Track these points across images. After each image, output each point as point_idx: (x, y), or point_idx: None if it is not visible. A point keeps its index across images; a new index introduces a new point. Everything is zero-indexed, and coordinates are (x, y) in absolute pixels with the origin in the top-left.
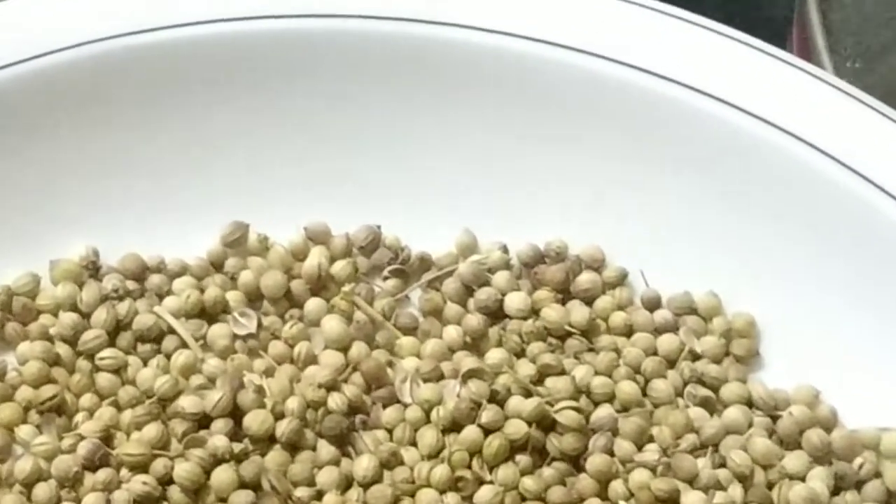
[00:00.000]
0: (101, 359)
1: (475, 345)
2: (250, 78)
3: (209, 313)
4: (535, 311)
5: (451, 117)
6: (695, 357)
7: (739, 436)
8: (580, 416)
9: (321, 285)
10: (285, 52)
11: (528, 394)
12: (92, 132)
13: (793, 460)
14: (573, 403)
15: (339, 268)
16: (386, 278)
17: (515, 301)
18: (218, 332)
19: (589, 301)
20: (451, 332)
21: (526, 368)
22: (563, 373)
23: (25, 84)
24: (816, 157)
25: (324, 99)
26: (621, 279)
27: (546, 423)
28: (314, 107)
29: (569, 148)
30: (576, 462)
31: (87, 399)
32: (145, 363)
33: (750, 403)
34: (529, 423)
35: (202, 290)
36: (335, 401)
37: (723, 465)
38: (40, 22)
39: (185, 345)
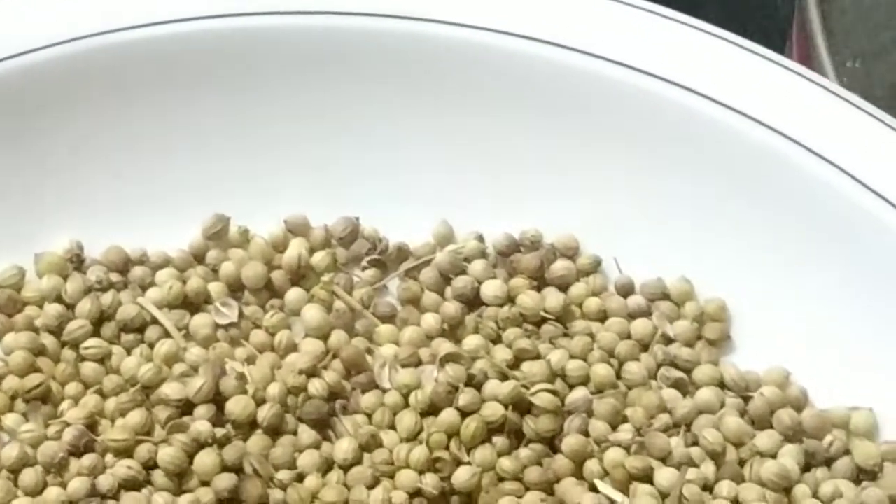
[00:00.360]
0: (86, 348)
1: (452, 332)
2: (231, 73)
3: (192, 304)
4: (510, 299)
5: (428, 111)
6: (668, 341)
7: (711, 415)
8: (555, 399)
9: (301, 276)
10: (265, 48)
11: (504, 377)
12: (75, 127)
13: (764, 439)
14: (548, 386)
15: (319, 258)
16: (364, 268)
17: (491, 288)
18: (200, 322)
19: (563, 288)
20: (429, 320)
21: (502, 353)
22: (538, 357)
23: (9, 81)
24: (785, 143)
25: (303, 93)
26: (595, 266)
27: (522, 406)
28: (294, 101)
29: (543, 139)
30: (551, 443)
31: (72, 388)
32: (129, 352)
33: (722, 385)
34: (506, 406)
35: (184, 282)
36: (315, 386)
37: (695, 443)
38: (24, 20)
39: (167, 334)
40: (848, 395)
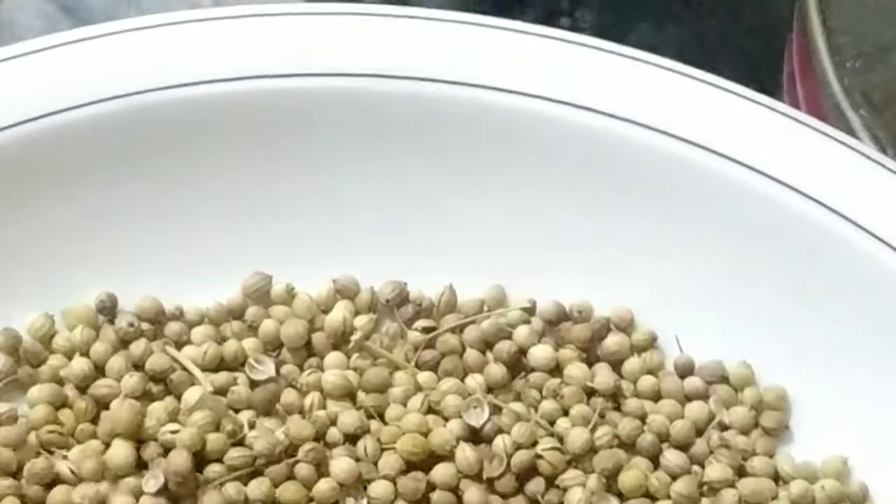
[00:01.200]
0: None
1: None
2: (281, 132)
3: (228, 366)
4: (558, 370)
5: (483, 177)
6: (723, 427)
7: None
8: (562, 458)
9: (344, 340)
10: (315, 109)
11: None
12: (113, 183)
13: None
14: (558, 445)
15: (362, 323)
16: (415, 329)
17: (541, 353)
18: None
19: (616, 364)
20: (471, 382)
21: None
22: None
23: (51, 135)
24: (854, 232)
25: (353, 155)
26: (650, 343)
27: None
28: (343, 162)
29: (603, 212)
30: None
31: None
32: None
33: (777, 477)
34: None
35: (221, 341)
36: None
37: None
38: (66, 76)
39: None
40: None
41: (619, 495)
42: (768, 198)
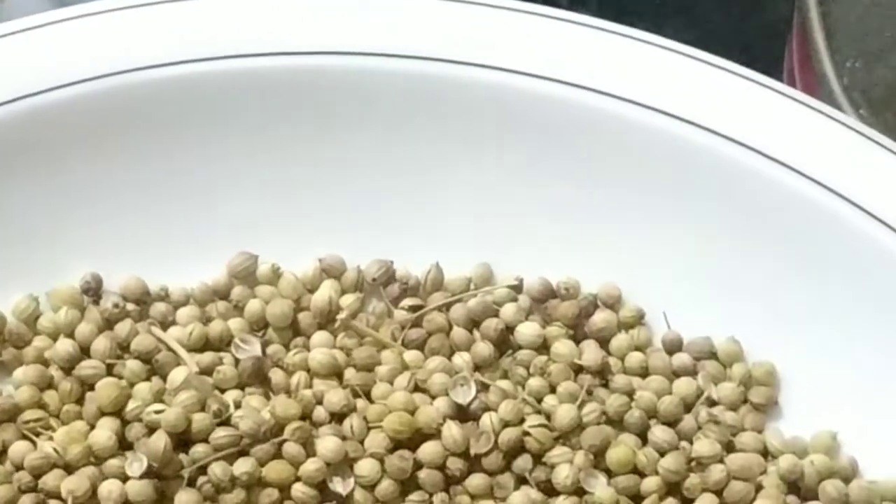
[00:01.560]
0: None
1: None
2: (266, 111)
3: (213, 346)
4: (545, 347)
5: (471, 155)
6: (711, 403)
7: (746, 483)
8: (550, 435)
9: (329, 319)
10: (299, 87)
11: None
12: (98, 163)
13: None
14: (544, 422)
15: (348, 302)
16: (401, 308)
17: (528, 330)
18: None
19: (604, 341)
20: (458, 360)
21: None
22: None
23: (33, 116)
24: (847, 208)
25: (339, 133)
26: (638, 319)
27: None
28: (328, 141)
29: (589, 188)
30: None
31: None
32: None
33: (765, 453)
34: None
35: (206, 321)
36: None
37: None
38: (48, 57)
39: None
40: None
41: (607, 472)
42: (759, 174)
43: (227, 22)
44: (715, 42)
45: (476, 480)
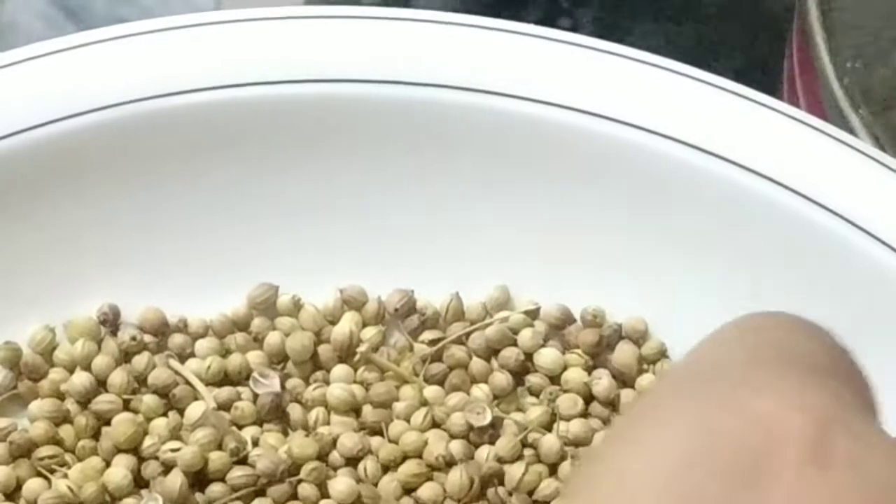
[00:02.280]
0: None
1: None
2: (287, 140)
3: (231, 380)
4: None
5: (489, 183)
6: None
7: None
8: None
9: (350, 353)
10: (321, 116)
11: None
12: (116, 192)
13: None
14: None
15: (370, 335)
16: (421, 342)
17: (548, 355)
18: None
19: (624, 377)
20: (476, 393)
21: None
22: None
23: (51, 144)
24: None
25: (357, 164)
26: (660, 355)
27: None
28: (347, 171)
29: (611, 217)
30: None
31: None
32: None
33: None
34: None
35: (225, 354)
36: None
37: None
38: (67, 83)
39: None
40: None
41: None
42: (778, 205)
43: (242, 48)
44: (715, 42)
45: None
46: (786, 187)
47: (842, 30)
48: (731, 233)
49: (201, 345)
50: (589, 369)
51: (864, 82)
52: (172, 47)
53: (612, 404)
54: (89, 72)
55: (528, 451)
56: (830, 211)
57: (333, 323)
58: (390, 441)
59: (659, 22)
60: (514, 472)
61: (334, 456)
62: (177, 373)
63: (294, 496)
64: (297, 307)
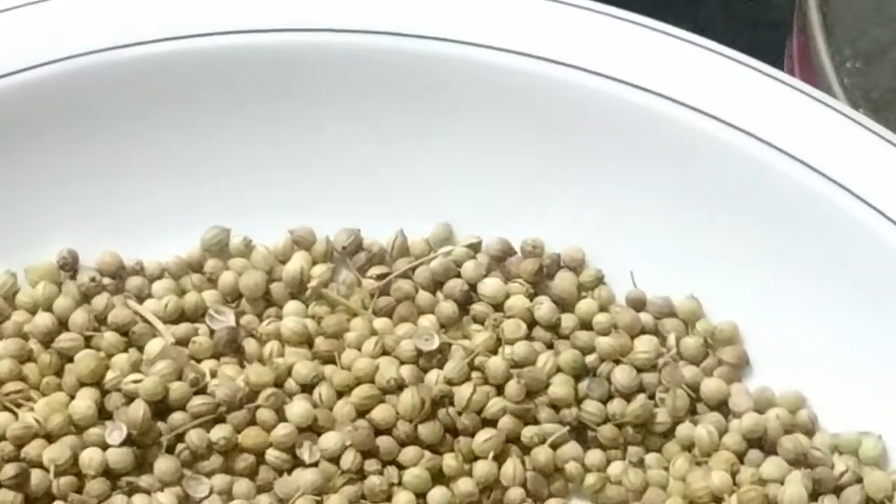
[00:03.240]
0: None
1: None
2: (234, 88)
3: (188, 318)
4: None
5: (432, 124)
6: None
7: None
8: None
9: (301, 289)
10: (266, 63)
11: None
12: (73, 140)
13: (770, 465)
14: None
15: (319, 272)
16: (369, 277)
17: (490, 285)
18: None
19: (564, 303)
20: (423, 322)
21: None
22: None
23: (7, 96)
24: (802, 169)
25: (303, 107)
26: (597, 281)
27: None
28: (293, 115)
29: (551, 155)
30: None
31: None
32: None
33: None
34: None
35: (181, 294)
36: None
37: None
38: (23, 36)
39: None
40: (859, 420)
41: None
42: (721, 141)
43: (196, 1)
44: (716, 41)
45: (411, 453)
46: (719, 119)
47: (842, 30)
48: (670, 165)
49: (158, 285)
50: (531, 296)
51: (864, 82)
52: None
53: (554, 328)
54: (48, 25)
55: (475, 374)
56: (760, 140)
57: (284, 262)
58: (343, 368)
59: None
60: (462, 392)
61: (290, 384)
62: (136, 312)
63: (252, 422)
64: (248, 248)
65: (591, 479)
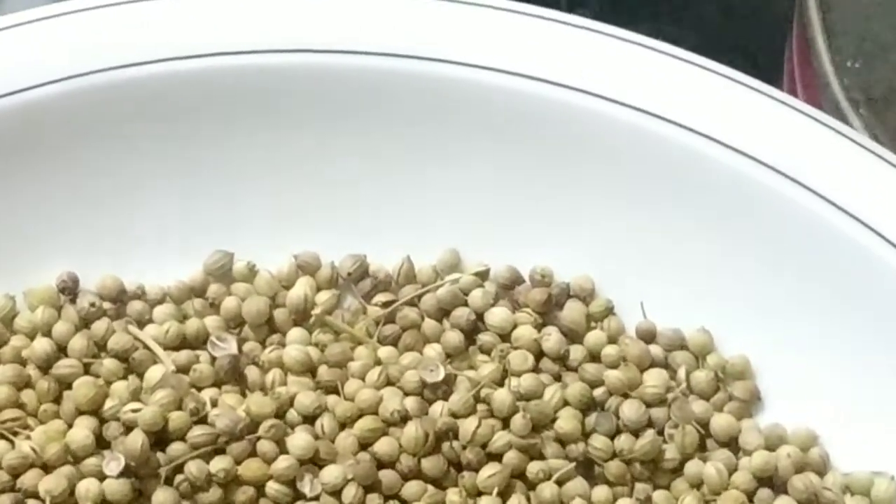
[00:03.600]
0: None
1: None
2: (240, 110)
3: (190, 344)
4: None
5: (439, 149)
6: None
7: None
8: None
9: (305, 316)
10: (273, 86)
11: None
12: (74, 163)
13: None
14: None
15: (324, 299)
16: (374, 304)
17: (498, 314)
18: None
19: (573, 334)
20: (429, 351)
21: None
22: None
23: (10, 116)
24: (814, 201)
25: (310, 132)
26: (606, 312)
27: None
28: (300, 139)
29: (561, 184)
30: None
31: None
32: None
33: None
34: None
35: (182, 319)
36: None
37: None
38: (24, 56)
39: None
40: (872, 459)
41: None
42: (735, 171)
43: (204, 19)
44: (715, 42)
45: (414, 488)
46: (732, 148)
47: (842, 30)
48: (682, 195)
49: (159, 310)
50: (538, 327)
51: (864, 82)
52: (125, 20)
53: (562, 359)
54: (46, 45)
55: (480, 407)
56: (776, 171)
57: (288, 288)
58: (346, 399)
59: (658, 22)
60: (467, 426)
61: (292, 414)
62: (136, 338)
63: (253, 453)
64: (252, 273)
65: None
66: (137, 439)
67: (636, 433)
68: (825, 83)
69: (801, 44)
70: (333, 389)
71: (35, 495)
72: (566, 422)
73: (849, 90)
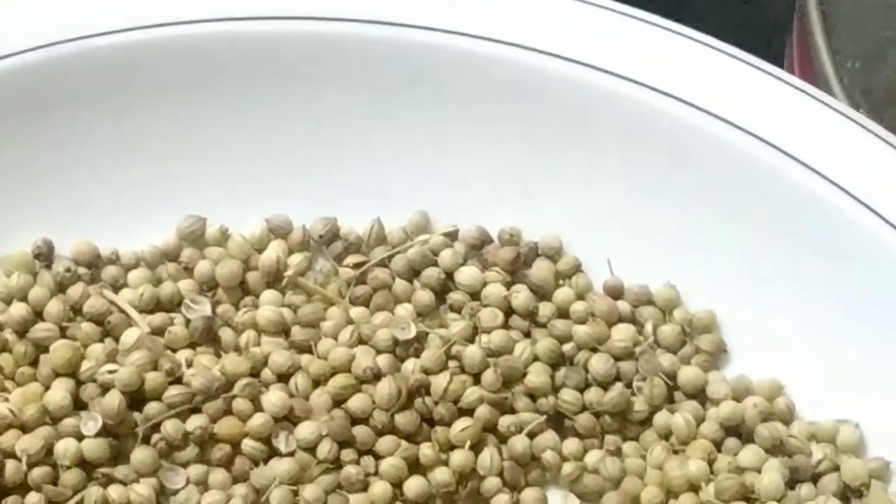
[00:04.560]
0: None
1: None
2: (213, 77)
3: (164, 307)
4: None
5: (406, 111)
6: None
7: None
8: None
9: (277, 278)
10: (246, 53)
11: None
12: (47, 130)
13: (748, 453)
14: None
15: (296, 262)
16: (345, 266)
17: (468, 273)
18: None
19: (542, 291)
20: (400, 311)
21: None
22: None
23: None
24: (781, 158)
25: (279, 97)
26: (574, 270)
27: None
28: (270, 104)
29: (532, 145)
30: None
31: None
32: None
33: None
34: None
35: (157, 283)
36: None
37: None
38: (5, 24)
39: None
40: (836, 408)
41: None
42: (688, 124)
43: None
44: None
45: (387, 443)
46: (699, 108)
47: (842, 30)
48: (648, 153)
49: (134, 275)
50: (508, 285)
51: (864, 82)
52: None
53: (531, 316)
54: (23, 14)
55: (452, 363)
56: (745, 131)
57: (260, 251)
58: (319, 357)
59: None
60: (439, 381)
61: (266, 373)
62: (111, 302)
63: (228, 412)
64: (224, 237)
65: (568, 468)
66: (114, 399)
67: (605, 386)
68: (825, 83)
69: (801, 44)
70: (307, 349)
71: (13, 455)
72: (536, 376)
73: (849, 90)
